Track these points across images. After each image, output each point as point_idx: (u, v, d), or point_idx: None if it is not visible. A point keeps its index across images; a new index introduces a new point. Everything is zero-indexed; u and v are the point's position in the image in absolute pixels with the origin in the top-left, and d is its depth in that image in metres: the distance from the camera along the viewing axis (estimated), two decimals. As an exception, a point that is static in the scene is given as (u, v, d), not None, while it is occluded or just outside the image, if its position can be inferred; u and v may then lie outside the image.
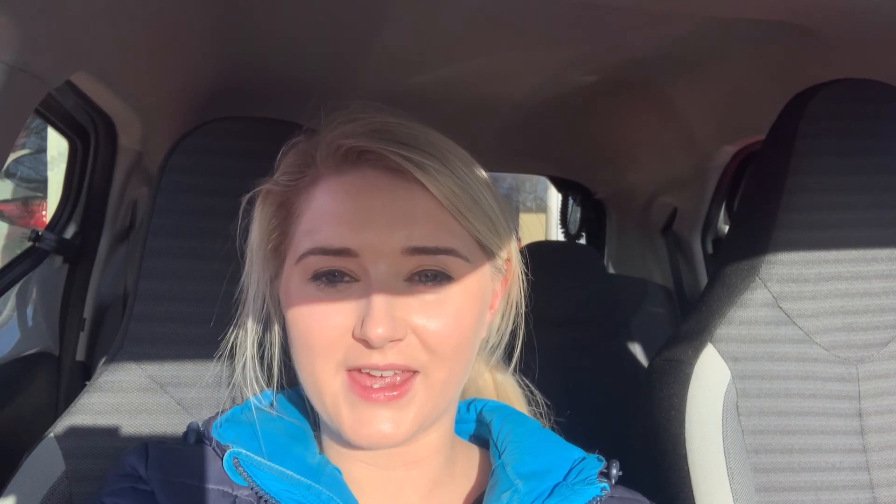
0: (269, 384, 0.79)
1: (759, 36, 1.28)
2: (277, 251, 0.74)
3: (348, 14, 1.23)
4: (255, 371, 0.78)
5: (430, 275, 0.67)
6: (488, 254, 0.72)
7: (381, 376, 0.67)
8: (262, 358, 0.79)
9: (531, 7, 1.19)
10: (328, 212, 0.69)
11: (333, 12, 1.22)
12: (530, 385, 0.86)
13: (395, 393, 0.67)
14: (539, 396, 0.85)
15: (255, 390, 0.78)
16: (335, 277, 0.68)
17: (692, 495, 1.04)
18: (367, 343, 0.65)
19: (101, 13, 0.92)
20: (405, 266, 0.67)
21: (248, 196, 0.75)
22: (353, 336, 0.66)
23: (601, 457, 0.77)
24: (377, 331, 0.64)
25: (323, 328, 0.67)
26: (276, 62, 1.45)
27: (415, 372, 0.68)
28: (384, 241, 0.66)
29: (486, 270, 0.72)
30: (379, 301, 0.65)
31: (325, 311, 0.67)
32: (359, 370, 0.67)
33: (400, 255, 0.66)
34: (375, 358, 0.66)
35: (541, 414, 0.85)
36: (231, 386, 0.82)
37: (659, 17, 1.21)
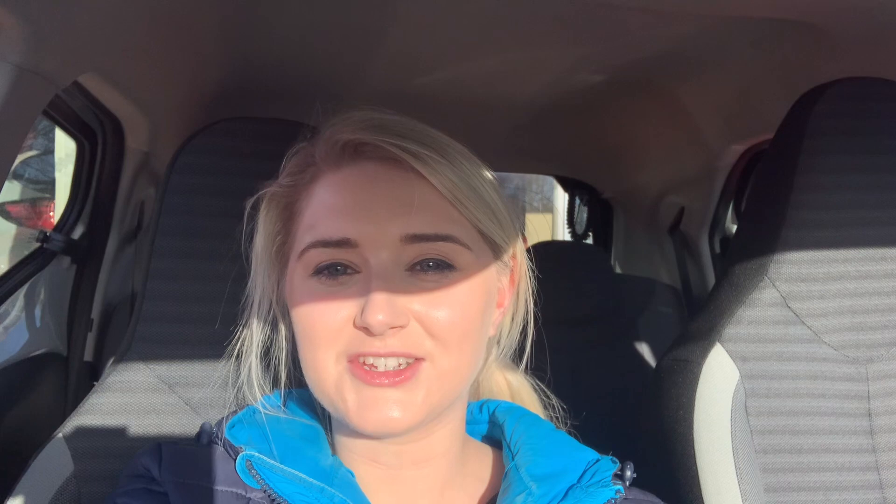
0: (275, 386, 0.79)
1: (767, 35, 1.28)
2: (281, 252, 0.74)
3: (356, 14, 1.23)
4: (259, 374, 0.79)
5: (431, 264, 0.68)
6: (491, 244, 0.72)
7: (385, 365, 0.66)
8: (268, 361, 0.79)
9: (539, 7, 1.19)
10: (327, 205, 0.69)
11: (341, 12, 1.22)
12: (545, 389, 0.85)
13: (399, 378, 0.66)
14: (554, 399, 0.85)
15: (260, 393, 0.78)
16: (337, 271, 0.68)
17: (701, 495, 1.03)
18: (367, 331, 0.65)
19: (109, 14, 0.92)
20: (406, 255, 0.67)
21: (251, 200, 0.76)
22: (355, 325, 0.66)
23: (615, 459, 0.77)
24: (377, 317, 0.64)
25: (325, 319, 0.67)
26: (284, 62, 1.45)
27: (420, 359, 0.67)
28: (383, 230, 0.67)
29: (489, 262, 0.72)
30: (379, 288, 0.65)
31: (327, 304, 0.67)
32: (360, 356, 0.66)
33: (399, 244, 0.67)
34: (377, 345, 0.66)
35: (556, 417, 0.84)
36: (237, 387, 0.82)
37: (666, 16, 1.21)
